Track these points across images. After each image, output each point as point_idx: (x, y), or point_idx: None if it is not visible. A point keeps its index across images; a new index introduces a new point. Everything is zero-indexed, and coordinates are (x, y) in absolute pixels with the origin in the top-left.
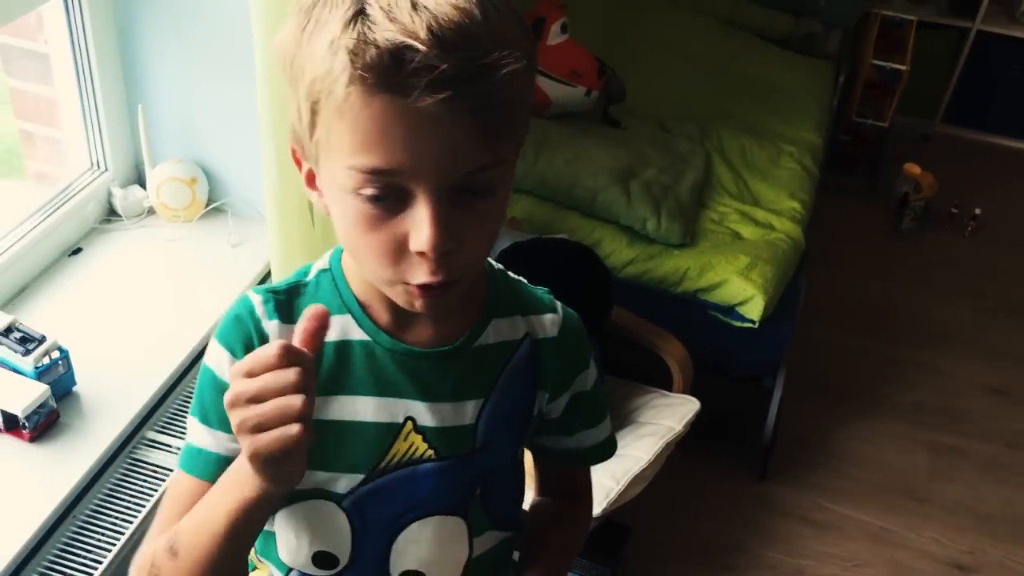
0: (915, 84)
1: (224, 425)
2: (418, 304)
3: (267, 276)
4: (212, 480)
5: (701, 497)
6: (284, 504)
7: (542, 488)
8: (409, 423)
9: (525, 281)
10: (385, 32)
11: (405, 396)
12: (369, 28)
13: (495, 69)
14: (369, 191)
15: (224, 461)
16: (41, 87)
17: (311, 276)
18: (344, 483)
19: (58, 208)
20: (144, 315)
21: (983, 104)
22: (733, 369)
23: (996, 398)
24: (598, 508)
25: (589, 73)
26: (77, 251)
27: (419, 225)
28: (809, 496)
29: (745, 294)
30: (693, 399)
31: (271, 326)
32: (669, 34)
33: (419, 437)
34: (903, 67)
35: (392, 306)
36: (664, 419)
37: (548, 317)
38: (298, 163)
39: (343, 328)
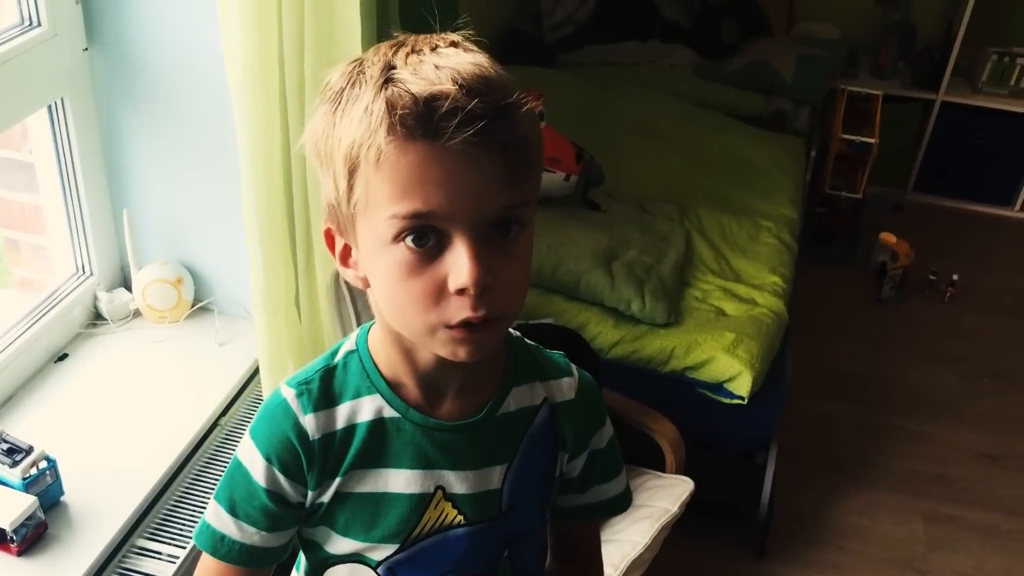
0: (885, 155)
1: (251, 520)
2: (462, 351)
3: (255, 374)
4: (240, 564)
5: None
6: (325, 568)
7: (555, 551)
8: (439, 492)
9: (541, 347)
10: (415, 86)
11: (435, 467)
12: (400, 88)
13: (517, 107)
14: (410, 236)
15: (249, 549)
16: (26, 195)
17: (339, 358)
18: (380, 552)
19: (44, 314)
20: (132, 419)
21: (952, 172)
22: (725, 447)
23: (988, 464)
24: None
25: (567, 159)
26: (63, 357)
27: (458, 264)
28: (809, 573)
29: (732, 371)
30: (687, 479)
31: (308, 420)
32: (644, 117)
33: (449, 504)
34: (872, 140)
35: (420, 383)
36: (659, 501)
37: (565, 381)
38: (330, 244)
39: (375, 407)
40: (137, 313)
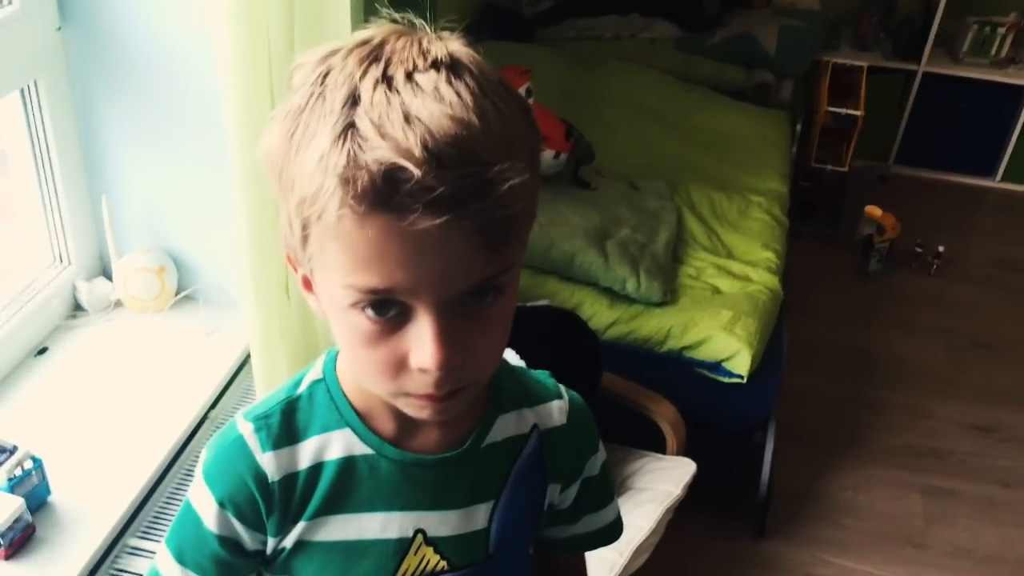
0: (868, 127)
1: (200, 568)
2: (427, 413)
3: (245, 362)
4: None
5: (701, 559)
6: None
7: None
8: (419, 536)
9: (525, 367)
10: (376, 152)
11: (413, 508)
12: (359, 147)
13: (497, 184)
14: (367, 308)
15: None
16: None
17: (303, 388)
18: None
19: (21, 307)
20: (118, 414)
21: (934, 143)
22: (723, 426)
23: (981, 436)
24: None
25: (556, 136)
26: (43, 351)
27: (421, 342)
28: (809, 551)
29: (731, 349)
30: (689, 460)
31: (266, 459)
32: (630, 93)
33: (430, 549)
34: (858, 112)
35: (395, 413)
36: (661, 483)
37: (555, 404)
38: (293, 266)
39: (345, 444)
40: (119, 303)
